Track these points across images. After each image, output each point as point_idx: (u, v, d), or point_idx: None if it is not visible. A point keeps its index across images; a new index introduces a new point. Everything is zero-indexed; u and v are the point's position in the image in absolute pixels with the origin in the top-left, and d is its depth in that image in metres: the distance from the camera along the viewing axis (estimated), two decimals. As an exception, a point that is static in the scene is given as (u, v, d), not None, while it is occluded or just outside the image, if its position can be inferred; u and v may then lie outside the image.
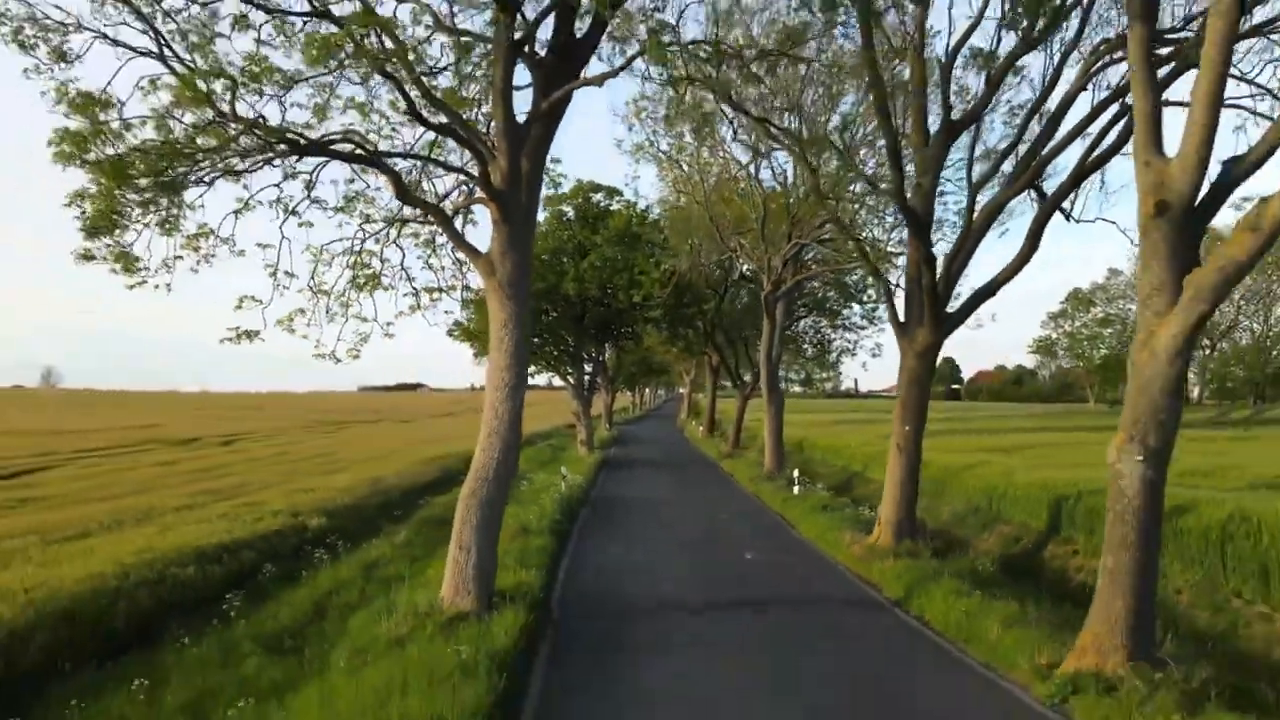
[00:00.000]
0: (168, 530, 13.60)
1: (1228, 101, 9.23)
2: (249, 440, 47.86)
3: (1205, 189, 7.28)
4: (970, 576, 10.48)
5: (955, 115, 12.41)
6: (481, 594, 8.60)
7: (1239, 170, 7.26)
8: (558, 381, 36.94)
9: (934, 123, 12.43)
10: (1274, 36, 9.35)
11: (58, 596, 8.98)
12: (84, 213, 7.24)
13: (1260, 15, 8.98)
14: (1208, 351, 62.63)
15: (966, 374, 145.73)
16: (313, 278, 10.25)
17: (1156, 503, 6.91)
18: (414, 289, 11.15)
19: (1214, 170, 7.36)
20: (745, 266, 24.72)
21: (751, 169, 22.28)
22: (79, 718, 6.77)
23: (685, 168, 24.13)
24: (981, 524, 15.14)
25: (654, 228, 29.41)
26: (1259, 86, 9.75)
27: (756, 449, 29.71)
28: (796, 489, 19.31)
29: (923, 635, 8.79)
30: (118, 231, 7.51)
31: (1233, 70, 9.32)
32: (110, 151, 7.61)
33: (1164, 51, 9.19)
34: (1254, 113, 10.35)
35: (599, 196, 31.17)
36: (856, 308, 35.33)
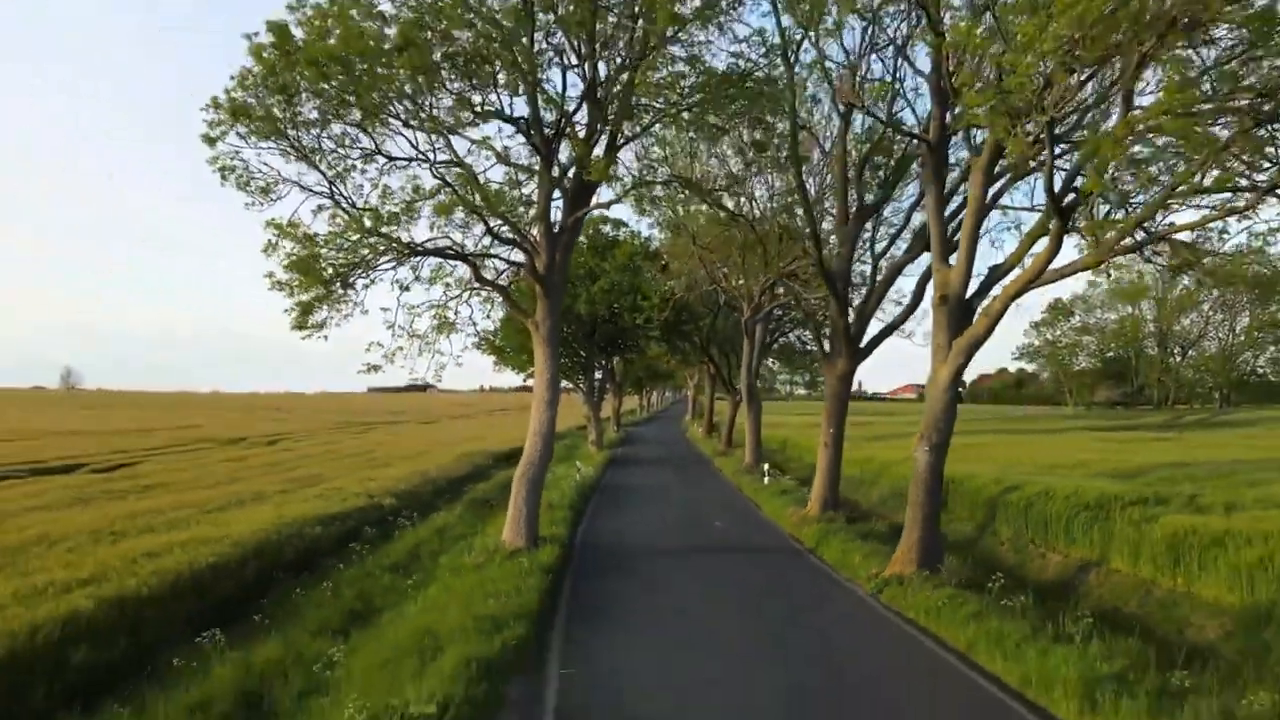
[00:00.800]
0: (284, 506, 18.30)
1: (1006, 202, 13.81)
2: (290, 440, 52.73)
3: (976, 286, 11.92)
4: (862, 533, 15.14)
5: (868, 202, 17.05)
6: (530, 537, 13.34)
7: (998, 274, 11.88)
8: (568, 385, 41.97)
9: (851, 205, 17.07)
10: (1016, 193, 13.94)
11: (245, 542, 13.68)
12: (296, 306, 12.06)
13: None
14: (1178, 359, 66.78)
15: (970, 376, 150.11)
16: (410, 326, 14.98)
17: (936, 476, 11.58)
18: (477, 332, 15.88)
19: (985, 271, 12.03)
20: (735, 285, 29.15)
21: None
22: (301, 599, 11.53)
23: (679, 212, 28.77)
24: (900, 504, 19.70)
25: (655, 257, 34.07)
26: (1013, 208, 14.39)
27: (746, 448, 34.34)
28: (766, 480, 23.98)
29: (816, 564, 13.49)
30: (314, 314, 12.30)
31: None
32: (301, 252, 12.43)
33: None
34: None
35: (607, 228, 35.95)
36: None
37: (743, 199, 19.38)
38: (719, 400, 52.38)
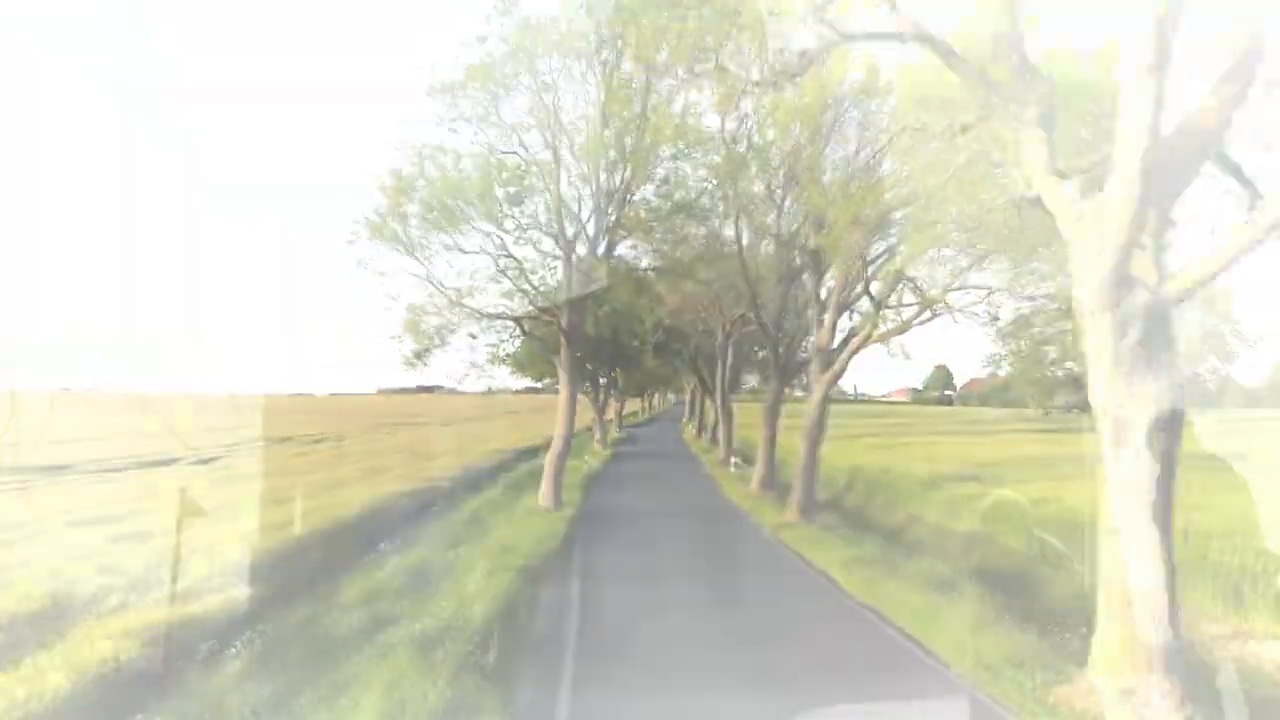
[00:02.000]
0: (377, 486, 25.30)
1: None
2: (332, 440, 59.79)
3: (838, 341, 18.86)
4: (780, 502, 22.04)
5: (795, 265, 23.98)
6: (557, 500, 20.39)
7: (853, 334, 18.80)
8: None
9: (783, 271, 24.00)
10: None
11: (373, 503, 20.61)
12: (410, 353, 19.15)
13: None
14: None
15: (961, 380, 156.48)
16: (475, 359, 21.99)
17: (813, 459, 18.51)
18: (519, 363, 22.86)
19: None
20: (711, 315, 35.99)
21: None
22: (419, 533, 18.52)
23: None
24: (824, 485, 26.61)
25: (647, 289, 40.95)
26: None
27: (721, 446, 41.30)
28: (732, 470, 31.01)
29: (745, 519, 20.49)
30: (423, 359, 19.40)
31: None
32: (410, 316, 19.48)
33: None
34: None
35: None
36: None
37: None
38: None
